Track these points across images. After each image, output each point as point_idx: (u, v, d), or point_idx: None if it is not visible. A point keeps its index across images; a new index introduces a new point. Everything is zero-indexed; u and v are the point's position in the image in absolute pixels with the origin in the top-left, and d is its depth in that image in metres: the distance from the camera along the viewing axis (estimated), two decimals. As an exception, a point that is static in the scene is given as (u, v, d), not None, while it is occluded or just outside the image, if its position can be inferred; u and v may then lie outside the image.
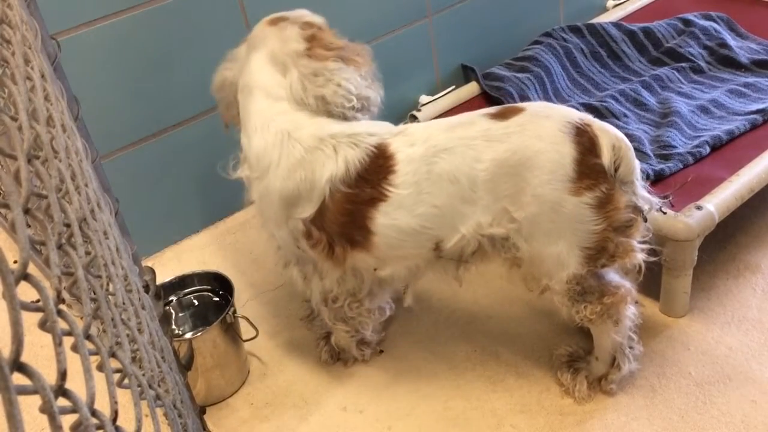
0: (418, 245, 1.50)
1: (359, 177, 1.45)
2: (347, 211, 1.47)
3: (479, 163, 1.43)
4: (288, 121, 1.52)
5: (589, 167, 1.42)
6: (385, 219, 1.46)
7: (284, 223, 1.54)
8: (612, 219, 1.44)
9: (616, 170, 1.44)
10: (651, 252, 1.55)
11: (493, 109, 1.52)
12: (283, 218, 1.53)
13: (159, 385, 0.90)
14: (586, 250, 1.45)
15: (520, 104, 1.55)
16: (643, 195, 1.51)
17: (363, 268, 1.57)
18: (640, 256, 1.50)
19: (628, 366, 1.63)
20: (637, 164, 1.49)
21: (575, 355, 1.71)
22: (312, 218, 1.49)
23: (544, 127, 1.44)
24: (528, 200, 1.43)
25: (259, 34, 1.62)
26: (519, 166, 1.42)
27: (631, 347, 1.63)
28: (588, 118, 1.48)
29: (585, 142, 1.43)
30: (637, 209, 1.48)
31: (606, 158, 1.42)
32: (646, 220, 1.52)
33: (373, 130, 1.51)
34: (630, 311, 1.58)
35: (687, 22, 2.58)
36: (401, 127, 1.54)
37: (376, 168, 1.46)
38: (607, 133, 1.45)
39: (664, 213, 1.67)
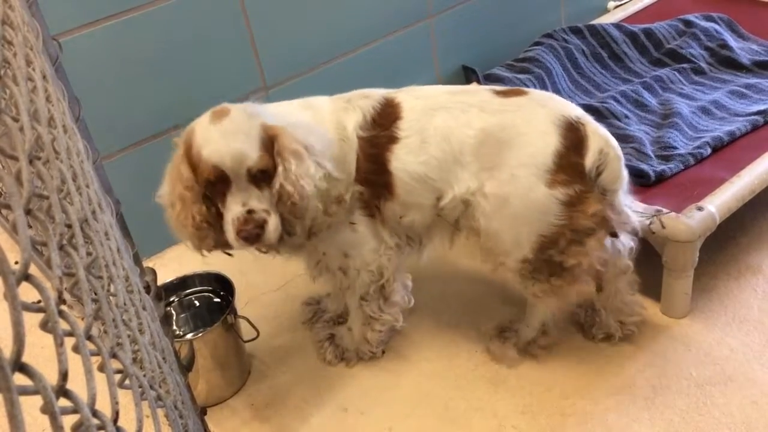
0: (424, 195, 1.57)
1: (374, 122, 1.55)
2: (371, 156, 1.55)
3: (469, 128, 1.51)
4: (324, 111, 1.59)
5: (569, 164, 1.46)
6: (398, 162, 1.54)
7: (346, 197, 1.56)
8: (573, 220, 1.48)
9: (599, 174, 1.48)
10: (604, 263, 1.58)
11: (499, 87, 1.62)
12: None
13: (160, 386, 0.90)
14: (542, 237, 1.51)
15: (526, 89, 1.62)
16: (624, 212, 1.56)
17: (393, 220, 1.62)
18: (588, 261, 1.53)
19: (555, 332, 1.74)
20: (624, 175, 1.54)
21: (502, 326, 1.80)
22: (354, 173, 1.55)
23: (538, 114, 1.50)
24: (505, 178, 1.49)
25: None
26: (503, 143, 1.49)
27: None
28: (586, 118, 1.52)
29: (573, 139, 1.47)
30: (604, 222, 1.50)
31: (589, 160, 1.47)
32: (615, 236, 1.56)
33: (375, 90, 1.62)
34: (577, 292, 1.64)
35: (688, 23, 2.58)
36: (408, 87, 1.63)
37: (386, 114, 1.56)
38: (599, 137, 1.49)
39: (653, 233, 1.70)
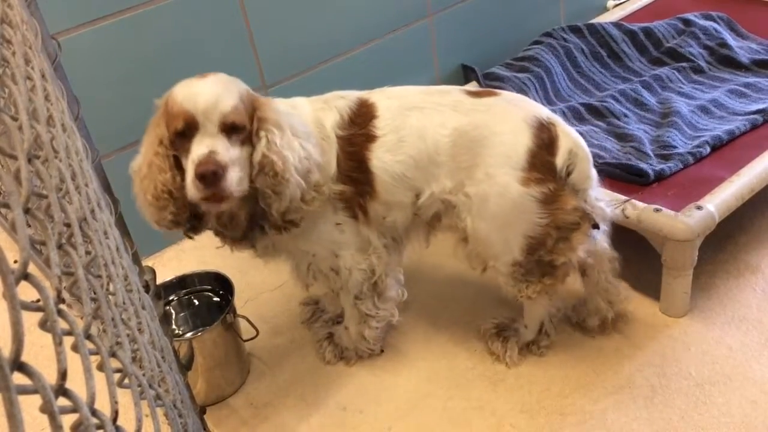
0: (404, 193, 1.58)
1: (351, 121, 1.56)
2: (351, 154, 1.55)
3: (444, 128, 1.53)
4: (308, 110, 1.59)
5: (542, 162, 1.49)
6: (378, 161, 1.55)
7: (325, 189, 1.54)
8: (556, 218, 1.50)
9: (569, 174, 1.50)
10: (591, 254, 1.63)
11: (472, 88, 1.65)
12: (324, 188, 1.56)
13: (159, 385, 0.90)
14: (530, 239, 1.53)
15: (497, 90, 1.64)
16: (597, 206, 1.58)
17: (377, 221, 1.62)
18: (576, 257, 1.57)
19: (554, 333, 1.76)
20: (593, 175, 1.56)
21: (502, 326, 1.81)
22: (336, 174, 1.54)
23: (510, 113, 1.52)
24: (481, 177, 1.51)
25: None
26: (477, 142, 1.51)
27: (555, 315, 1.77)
28: (556, 118, 1.55)
29: (544, 138, 1.49)
30: (585, 215, 1.53)
31: (560, 159, 1.50)
32: (597, 227, 1.58)
33: (348, 91, 1.62)
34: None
35: (687, 22, 2.58)
36: (378, 88, 1.63)
37: (362, 113, 1.56)
38: (569, 137, 1.52)
39: (627, 217, 1.73)
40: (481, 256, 1.61)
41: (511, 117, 1.51)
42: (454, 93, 1.59)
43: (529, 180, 1.48)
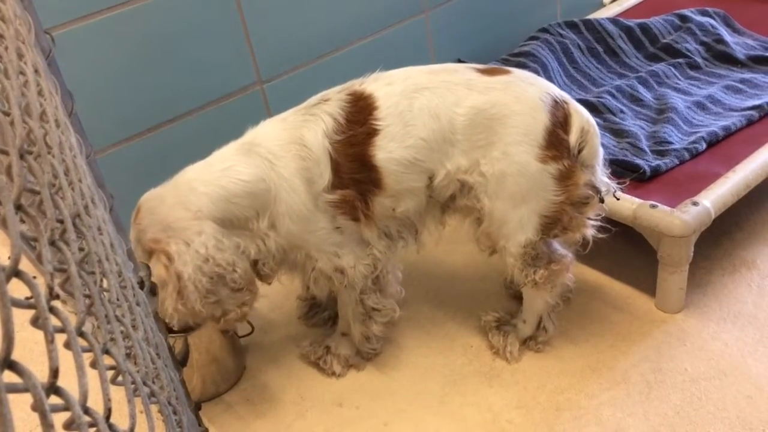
0: (416, 178, 1.55)
1: (347, 121, 1.52)
2: (352, 155, 1.52)
3: (459, 107, 1.51)
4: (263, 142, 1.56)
5: (558, 140, 1.50)
6: (383, 153, 1.52)
7: (317, 209, 1.54)
8: (571, 194, 1.52)
9: (579, 151, 1.53)
10: (601, 229, 1.64)
11: (479, 66, 1.61)
12: (313, 204, 1.53)
13: (154, 382, 0.90)
14: (544, 218, 1.54)
15: (507, 68, 1.63)
16: (603, 179, 1.60)
17: (385, 215, 1.59)
18: (589, 232, 1.60)
19: (552, 328, 1.77)
20: (600, 151, 1.59)
21: (502, 320, 1.82)
22: (332, 181, 1.52)
23: (527, 91, 1.52)
24: (498, 156, 1.50)
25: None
26: (495, 120, 1.50)
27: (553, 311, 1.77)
28: (567, 97, 1.56)
29: (559, 116, 1.51)
30: (595, 188, 1.56)
31: (573, 137, 1.51)
32: (602, 201, 1.60)
33: (332, 89, 1.58)
34: (568, 278, 1.69)
35: (684, 18, 2.58)
36: (372, 75, 1.59)
37: (359, 109, 1.53)
38: (580, 115, 1.54)
39: (618, 199, 1.72)
40: (492, 237, 1.60)
41: (528, 95, 1.51)
42: (463, 71, 1.56)
43: (547, 157, 1.49)
